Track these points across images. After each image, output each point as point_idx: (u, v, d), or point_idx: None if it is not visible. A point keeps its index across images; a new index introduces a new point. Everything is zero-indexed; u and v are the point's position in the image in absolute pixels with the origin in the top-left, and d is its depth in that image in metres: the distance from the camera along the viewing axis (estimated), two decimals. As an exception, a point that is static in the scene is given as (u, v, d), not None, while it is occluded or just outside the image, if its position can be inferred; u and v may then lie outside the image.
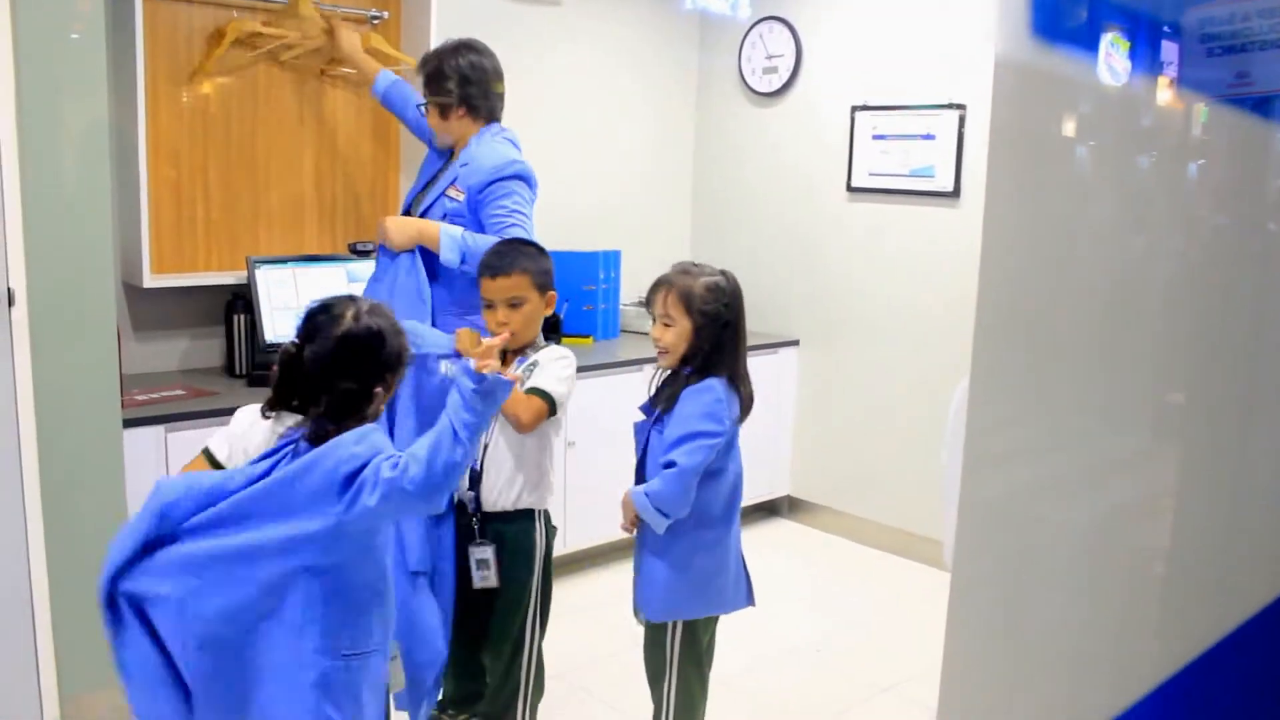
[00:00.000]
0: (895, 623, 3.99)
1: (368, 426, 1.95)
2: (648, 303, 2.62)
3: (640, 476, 2.66)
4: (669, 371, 2.61)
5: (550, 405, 2.58)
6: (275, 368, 2.04)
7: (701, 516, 2.58)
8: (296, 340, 2.03)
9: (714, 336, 2.53)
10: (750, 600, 2.72)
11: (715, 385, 2.52)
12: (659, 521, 2.52)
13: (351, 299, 2.07)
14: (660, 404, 2.58)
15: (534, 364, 2.63)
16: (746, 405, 2.60)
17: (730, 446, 2.59)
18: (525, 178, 3.16)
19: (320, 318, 2.03)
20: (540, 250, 2.74)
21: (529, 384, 2.59)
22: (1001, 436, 1.22)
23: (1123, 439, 1.26)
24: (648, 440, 2.63)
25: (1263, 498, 1.17)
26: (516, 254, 2.66)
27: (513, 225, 3.06)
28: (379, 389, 2.02)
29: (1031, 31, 1.16)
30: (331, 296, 2.09)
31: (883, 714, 3.34)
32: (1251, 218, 1.27)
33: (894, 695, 3.44)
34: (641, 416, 2.69)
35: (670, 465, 2.49)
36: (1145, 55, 1.28)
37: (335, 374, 1.98)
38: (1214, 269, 1.26)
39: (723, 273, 2.58)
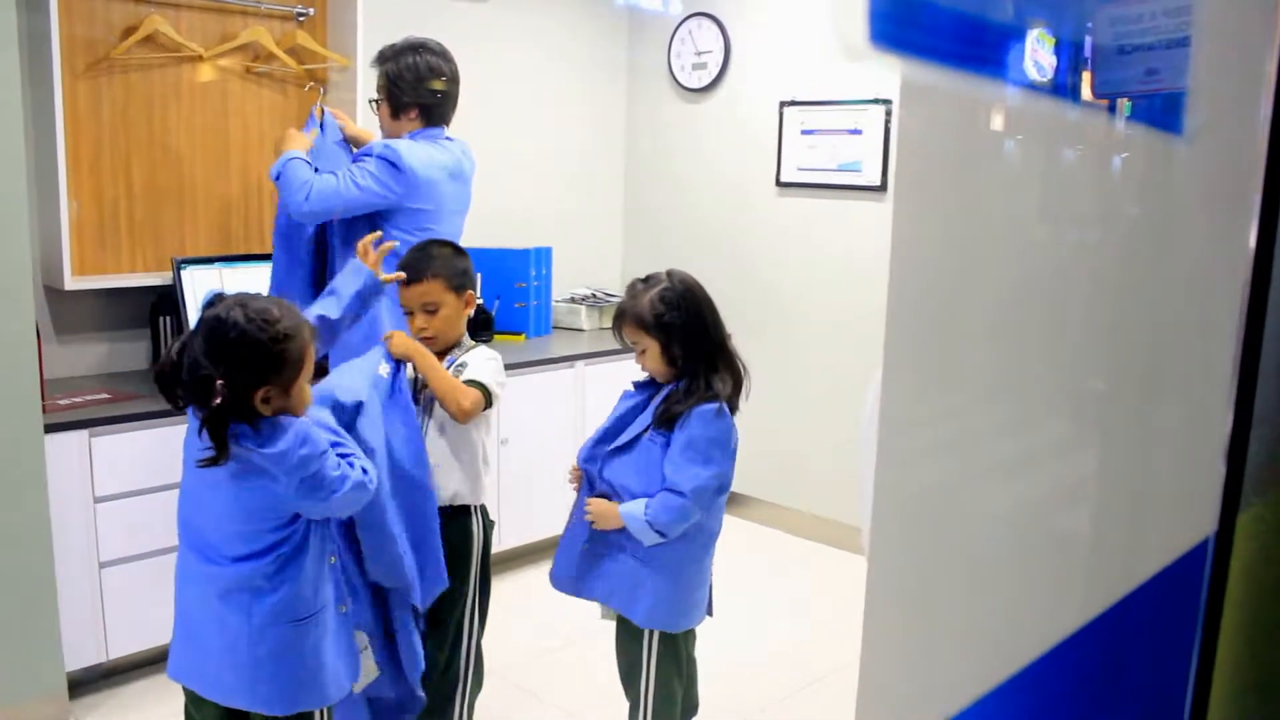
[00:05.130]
0: (828, 612, 4.04)
1: None
2: (618, 340, 2.61)
3: (606, 443, 2.60)
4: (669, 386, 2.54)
5: (486, 396, 2.60)
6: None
7: (700, 531, 2.56)
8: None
9: (684, 341, 2.50)
10: (710, 610, 2.72)
11: (725, 409, 2.49)
12: (652, 539, 2.48)
13: (239, 298, 2.09)
14: (662, 424, 2.50)
15: (463, 365, 2.64)
16: (739, 385, 2.56)
17: (734, 459, 2.58)
18: (388, 159, 3.14)
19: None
20: (456, 250, 2.74)
21: (465, 376, 2.61)
22: (914, 430, 1.25)
23: (1032, 430, 1.30)
24: (638, 435, 2.56)
25: (1170, 476, 1.22)
26: (429, 259, 2.65)
27: (329, 180, 3.12)
28: (219, 380, 1.98)
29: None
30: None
31: (816, 703, 3.38)
32: (1158, 209, 1.30)
33: (827, 684, 3.48)
34: (630, 388, 2.66)
35: (677, 491, 2.44)
36: (1067, 53, 1.32)
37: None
38: (1122, 258, 1.30)
39: (667, 275, 2.54)
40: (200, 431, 2.01)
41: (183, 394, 2.05)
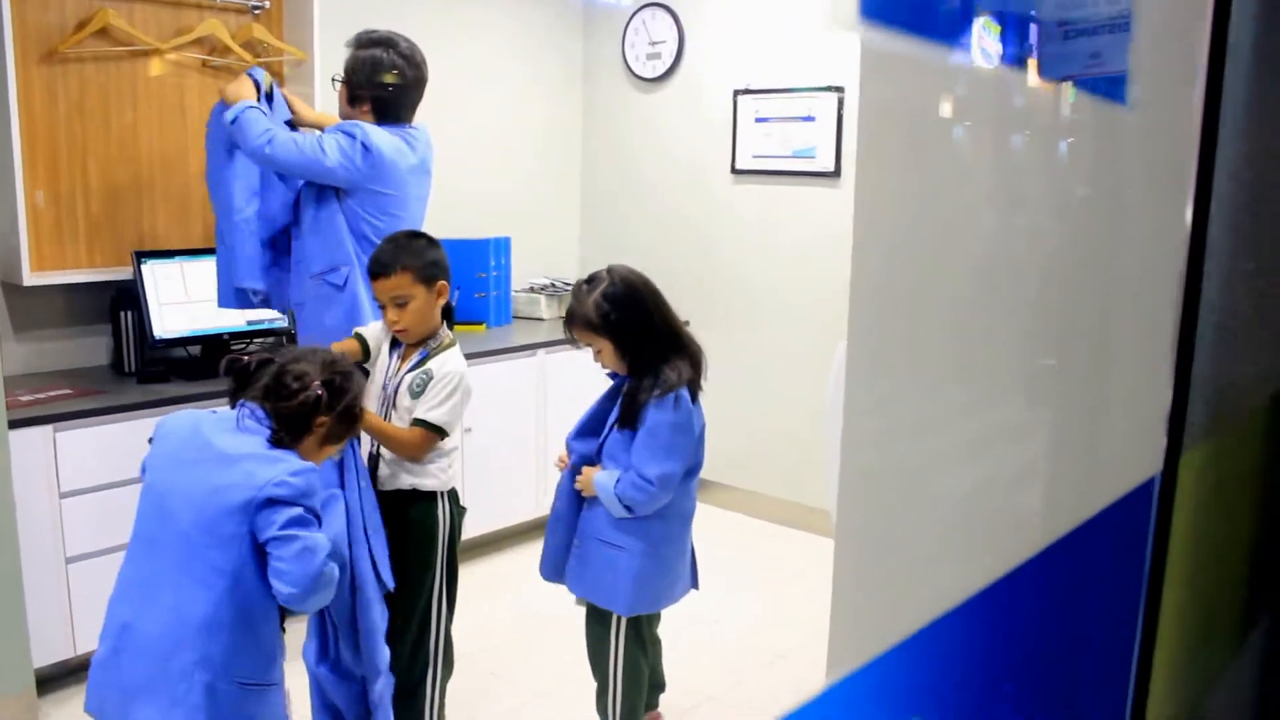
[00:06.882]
0: (789, 592, 4.11)
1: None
2: (570, 342, 2.70)
3: (584, 435, 2.72)
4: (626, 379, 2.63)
5: (437, 431, 2.65)
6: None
7: (672, 511, 2.64)
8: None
9: (634, 336, 2.56)
10: (695, 583, 2.81)
11: (683, 396, 2.55)
12: (620, 512, 2.57)
13: None
14: (625, 418, 2.59)
15: (427, 372, 2.67)
16: (697, 368, 2.62)
17: (700, 440, 2.64)
18: (354, 135, 3.14)
19: None
20: (429, 242, 2.76)
21: (415, 415, 2.64)
22: (878, 413, 1.30)
23: (992, 409, 1.36)
24: (609, 430, 2.65)
25: (1116, 430, 1.29)
26: (399, 252, 2.68)
27: (293, 135, 3.14)
28: (305, 397, 2.15)
29: (861, 14, 1.23)
30: None
31: (777, 680, 3.45)
32: (1107, 190, 1.37)
33: (789, 662, 3.55)
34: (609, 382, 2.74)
35: (644, 478, 2.52)
36: (1013, 37, 1.37)
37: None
38: (1074, 238, 1.36)
39: (608, 273, 2.59)
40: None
41: (261, 387, 2.17)
